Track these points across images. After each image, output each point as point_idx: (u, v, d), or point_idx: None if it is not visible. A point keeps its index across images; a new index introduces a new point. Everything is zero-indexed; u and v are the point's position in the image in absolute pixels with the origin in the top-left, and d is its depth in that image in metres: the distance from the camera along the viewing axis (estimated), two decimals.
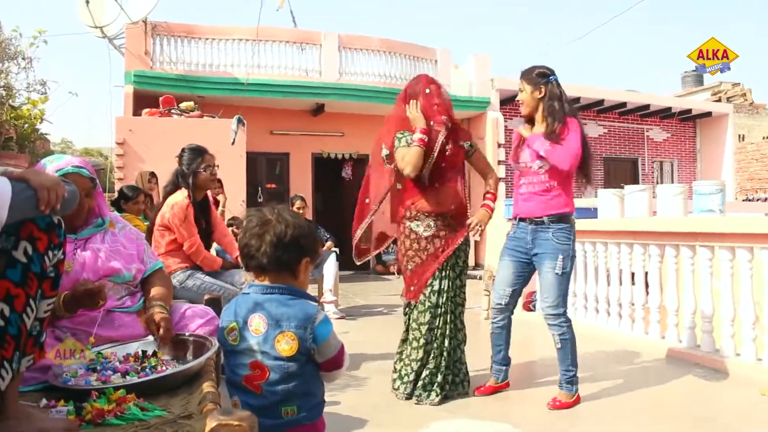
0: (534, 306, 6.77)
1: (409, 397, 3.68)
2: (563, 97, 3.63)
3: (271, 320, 1.75)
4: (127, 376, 2.11)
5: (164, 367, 2.21)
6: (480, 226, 3.72)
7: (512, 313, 3.88)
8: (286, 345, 1.73)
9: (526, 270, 3.79)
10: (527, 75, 3.67)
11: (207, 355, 2.21)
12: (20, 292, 1.54)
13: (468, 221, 3.74)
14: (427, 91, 3.74)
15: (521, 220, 3.73)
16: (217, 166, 4.23)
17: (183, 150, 4.20)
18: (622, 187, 6.20)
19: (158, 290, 2.58)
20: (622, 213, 5.95)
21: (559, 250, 3.57)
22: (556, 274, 3.56)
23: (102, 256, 2.47)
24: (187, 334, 2.46)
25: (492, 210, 3.81)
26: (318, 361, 1.79)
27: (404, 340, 3.85)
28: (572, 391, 3.63)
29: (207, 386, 2.03)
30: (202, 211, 4.21)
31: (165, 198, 4.19)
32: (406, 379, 3.72)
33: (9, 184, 1.48)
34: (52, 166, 2.37)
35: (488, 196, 3.86)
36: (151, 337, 2.42)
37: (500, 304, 3.81)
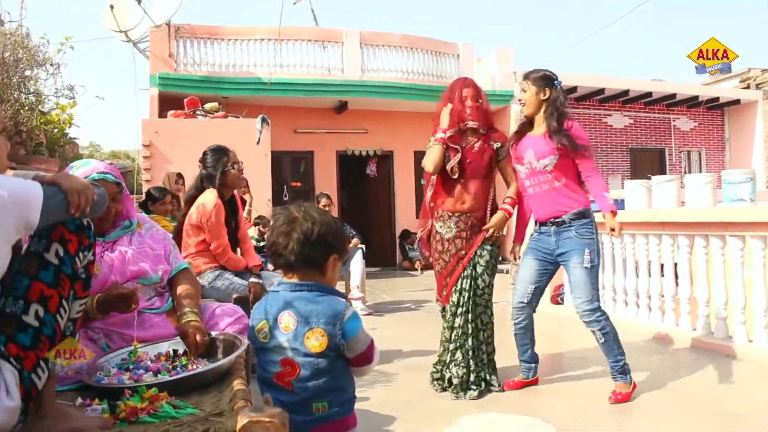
0: (562, 299, 6.74)
1: (443, 390, 3.74)
2: (563, 101, 3.69)
3: (300, 317, 1.77)
4: (159, 375, 2.15)
5: (195, 366, 2.24)
6: (496, 232, 3.76)
7: (534, 311, 3.88)
8: (315, 341, 1.74)
9: (548, 269, 3.82)
10: (533, 76, 3.70)
11: (237, 353, 2.23)
12: (54, 293, 1.58)
13: (485, 226, 3.78)
14: (463, 94, 3.77)
15: (542, 224, 3.75)
16: (242, 163, 4.25)
17: (205, 152, 4.22)
18: (649, 178, 6.13)
19: (186, 289, 2.60)
20: (649, 204, 5.88)
21: (585, 245, 3.59)
22: (585, 267, 3.57)
23: (129, 258, 2.51)
24: (215, 333, 2.48)
25: (510, 214, 3.83)
26: (348, 356, 1.80)
27: (443, 340, 3.90)
28: (627, 379, 3.64)
29: (237, 384, 2.06)
30: (232, 212, 4.24)
31: (189, 203, 4.21)
32: (435, 375, 3.82)
33: (41, 188, 1.52)
34: (78, 172, 2.41)
35: (507, 200, 3.87)
36: (178, 338, 2.46)
37: (522, 302, 3.82)
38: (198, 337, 2.31)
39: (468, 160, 3.77)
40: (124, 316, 2.46)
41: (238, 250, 4.39)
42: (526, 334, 3.87)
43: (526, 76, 3.72)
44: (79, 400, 1.95)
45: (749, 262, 4.58)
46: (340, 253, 1.87)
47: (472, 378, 3.71)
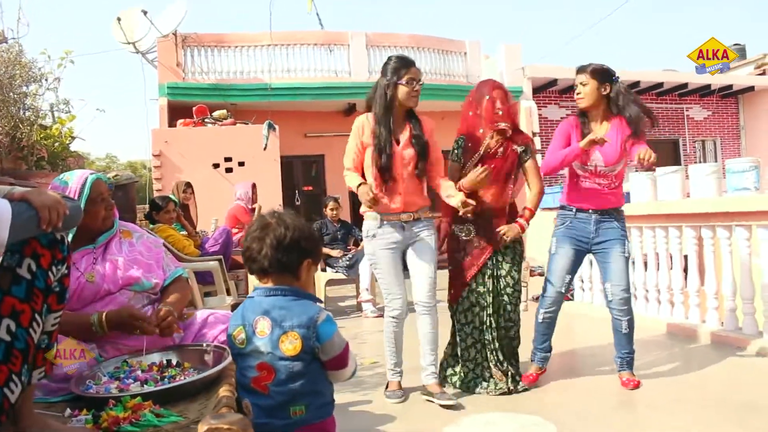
0: (572, 295, 6.70)
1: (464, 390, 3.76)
2: (630, 93, 3.74)
3: (275, 321, 1.79)
4: (146, 385, 2.17)
5: (183, 377, 2.26)
6: (506, 237, 3.72)
7: (563, 301, 3.94)
8: (290, 345, 1.76)
9: (580, 259, 3.91)
10: (592, 69, 3.70)
11: (224, 363, 2.24)
12: (26, 308, 1.61)
13: (498, 228, 3.76)
14: (487, 97, 3.76)
15: (580, 210, 3.78)
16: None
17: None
18: (654, 170, 6.07)
19: (173, 297, 2.62)
20: (655, 196, 5.82)
21: (625, 236, 3.75)
22: (626, 257, 3.70)
23: (120, 266, 2.54)
24: (205, 344, 2.50)
25: (524, 229, 3.80)
26: (323, 359, 1.81)
27: (452, 343, 3.94)
28: (632, 370, 3.78)
29: (223, 391, 2.07)
30: None
31: None
32: (454, 377, 3.84)
33: (9, 205, 1.54)
34: (74, 179, 2.48)
35: (525, 212, 3.82)
36: (171, 347, 2.49)
37: (560, 291, 3.86)
38: (162, 311, 2.39)
39: (492, 166, 3.73)
40: None
41: None
42: (551, 324, 3.94)
43: (584, 69, 3.72)
44: (68, 411, 1.98)
45: (757, 250, 4.53)
46: (314, 257, 1.89)
47: (491, 373, 3.73)
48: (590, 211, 3.74)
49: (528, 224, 3.80)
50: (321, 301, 1.92)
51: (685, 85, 14.03)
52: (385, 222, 3.59)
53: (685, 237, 5.04)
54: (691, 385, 3.72)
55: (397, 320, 3.65)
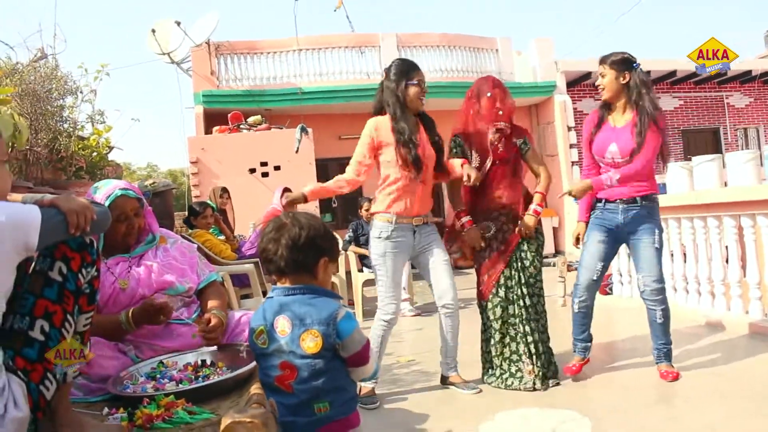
0: (611, 289, 6.62)
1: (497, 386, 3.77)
2: (650, 85, 3.67)
3: (295, 320, 1.81)
4: (180, 384, 2.23)
5: (216, 376, 2.32)
6: (528, 232, 3.78)
7: (597, 289, 3.89)
8: (311, 342, 1.78)
9: (613, 248, 3.86)
10: (611, 60, 3.67)
11: (254, 363, 2.29)
12: (58, 309, 1.68)
13: (517, 229, 3.80)
14: (488, 94, 3.78)
15: (608, 201, 3.74)
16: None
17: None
18: (690, 160, 5.97)
19: (214, 302, 2.70)
20: (692, 186, 5.72)
21: (656, 225, 3.66)
22: (656, 248, 3.64)
23: (155, 271, 2.61)
24: (238, 343, 2.56)
25: (539, 214, 3.83)
26: (343, 356, 1.83)
27: (485, 340, 3.93)
28: (671, 362, 3.73)
29: (255, 388, 2.12)
30: None
31: None
32: (494, 374, 3.83)
33: (38, 211, 1.61)
34: (101, 191, 2.54)
35: (536, 198, 3.85)
36: (205, 348, 2.55)
37: (591, 279, 3.81)
38: (213, 321, 2.47)
39: (497, 161, 3.80)
40: (153, 328, 2.56)
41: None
42: (588, 314, 3.89)
43: (604, 60, 3.70)
44: (106, 410, 2.05)
45: None
46: (330, 254, 1.91)
47: (524, 367, 3.72)
48: (617, 201, 3.69)
49: (542, 208, 3.83)
50: (341, 298, 1.95)
51: (724, 72, 13.70)
52: (398, 224, 3.61)
53: (724, 226, 4.94)
54: (730, 377, 3.65)
55: (388, 325, 3.66)
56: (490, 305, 3.83)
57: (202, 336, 2.48)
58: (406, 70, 3.63)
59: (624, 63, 3.65)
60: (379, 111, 3.70)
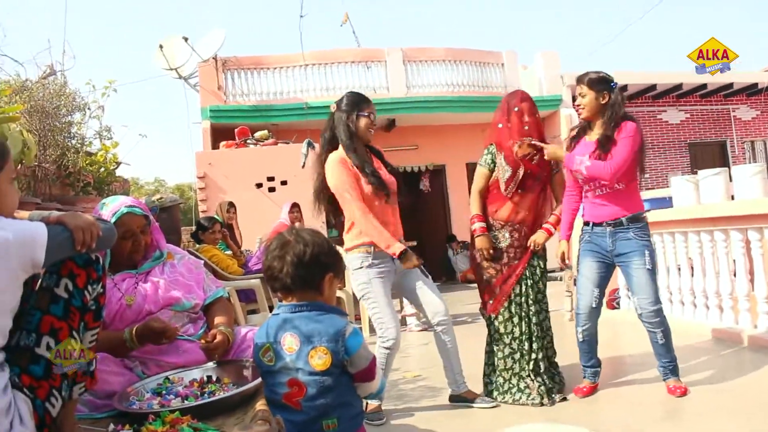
0: (618, 303, 6.60)
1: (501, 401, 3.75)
2: (623, 103, 3.68)
3: (302, 337, 1.81)
4: (186, 401, 2.23)
5: (222, 392, 2.33)
6: (536, 247, 3.80)
7: (599, 315, 3.85)
8: (319, 360, 1.78)
9: (608, 271, 3.81)
10: (589, 79, 3.66)
11: (259, 380, 2.29)
12: (63, 325, 1.69)
13: (529, 241, 3.81)
14: (516, 109, 3.81)
15: (596, 224, 3.72)
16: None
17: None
18: (695, 173, 5.96)
19: (220, 319, 2.72)
20: (698, 200, 5.70)
21: (644, 246, 3.61)
22: (648, 269, 3.59)
23: (161, 287, 2.62)
24: (243, 360, 2.57)
25: (551, 234, 3.85)
26: (351, 372, 1.83)
27: (489, 352, 3.93)
28: (678, 376, 3.70)
29: (260, 405, 2.13)
30: None
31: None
32: (499, 389, 3.81)
33: (45, 228, 1.63)
34: (107, 208, 2.56)
35: (551, 219, 3.88)
36: (211, 364, 2.56)
37: (591, 306, 3.78)
38: (219, 338, 2.50)
39: (528, 171, 3.79)
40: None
41: None
42: (592, 340, 3.86)
43: (582, 80, 3.69)
44: (112, 427, 2.05)
45: None
46: (335, 270, 1.91)
47: (529, 383, 3.71)
48: (604, 224, 3.67)
49: (555, 229, 3.84)
50: (346, 315, 1.95)
51: (731, 85, 13.70)
52: (377, 251, 3.53)
53: (731, 240, 4.92)
54: (738, 393, 3.62)
55: (390, 350, 3.57)
56: (501, 318, 3.82)
57: (203, 349, 2.48)
58: (357, 101, 3.65)
59: (603, 82, 3.64)
60: (331, 141, 3.68)
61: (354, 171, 3.54)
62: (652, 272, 3.61)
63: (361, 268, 3.55)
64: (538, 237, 3.79)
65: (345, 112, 3.62)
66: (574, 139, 3.80)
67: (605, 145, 3.56)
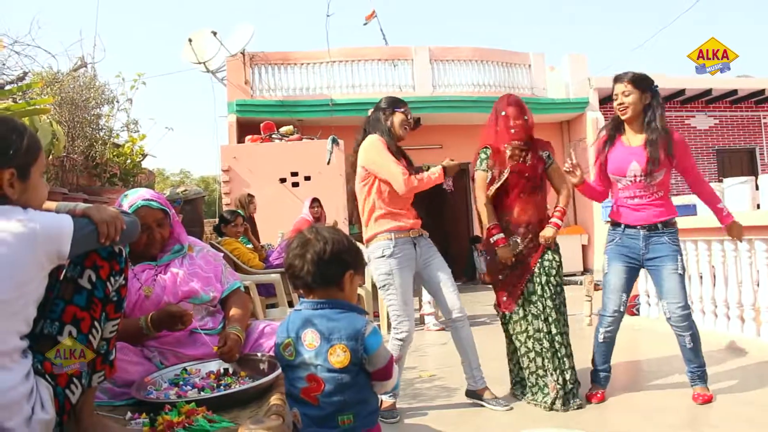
0: (638, 310, 6.55)
1: (551, 406, 3.69)
2: (664, 107, 3.69)
3: (323, 334, 1.84)
4: (202, 392, 2.27)
5: (238, 385, 2.37)
6: (547, 243, 3.79)
7: (622, 319, 3.85)
8: (338, 357, 1.81)
9: (634, 276, 3.82)
10: (633, 78, 3.65)
11: (277, 372, 2.33)
12: (86, 315, 1.74)
13: (539, 238, 3.80)
14: (503, 113, 3.82)
15: (628, 226, 3.71)
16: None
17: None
18: (722, 181, 5.90)
19: (236, 311, 2.74)
20: None
21: (677, 251, 3.63)
22: (679, 274, 3.60)
23: (180, 279, 2.66)
24: (260, 354, 2.60)
25: (559, 227, 3.84)
26: (369, 370, 1.86)
27: (511, 352, 3.95)
28: (706, 385, 3.68)
29: (275, 399, 2.17)
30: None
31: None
32: (518, 385, 3.84)
33: (71, 220, 1.67)
34: (127, 200, 2.61)
35: (557, 213, 3.86)
36: None
37: (618, 311, 3.78)
38: (229, 343, 2.49)
39: (526, 174, 3.80)
40: (177, 336, 2.61)
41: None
42: (611, 344, 3.86)
43: (625, 78, 3.67)
44: (129, 414, 2.11)
45: None
46: (355, 268, 1.94)
47: (547, 382, 3.70)
48: (638, 227, 3.66)
49: (562, 222, 3.84)
50: (367, 313, 1.97)
51: (762, 91, 13.48)
52: (398, 239, 3.64)
53: (755, 250, 4.87)
54: (759, 405, 3.58)
55: (404, 343, 3.67)
56: (515, 317, 3.83)
57: (220, 356, 2.51)
58: (394, 101, 3.85)
59: (646, 83, 3.64)
60: (364, 138, 3.81)
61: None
62: (683, 277, 3.61)
63: (383, 257, 3.63)
64: (547, 232, 3.77)
65: (381, 110, 3.79)
66: (608, 142, 3.78)
67: (656, 156, 3.55)
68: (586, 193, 3.94)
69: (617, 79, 3.71)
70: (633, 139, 3.69)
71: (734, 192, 5.51)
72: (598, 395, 3.76)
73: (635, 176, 3.63)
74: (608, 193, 3.93)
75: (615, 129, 3.78)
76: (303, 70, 11.63)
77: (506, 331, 3.93)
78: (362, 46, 11.99)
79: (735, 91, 13.37)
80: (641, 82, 3.63)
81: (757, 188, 5.59)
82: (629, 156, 3.64)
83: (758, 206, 5.46)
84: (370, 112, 3.88)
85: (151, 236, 2.62)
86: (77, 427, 1.78)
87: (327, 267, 1.87)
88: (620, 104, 3.68)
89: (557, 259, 3.85)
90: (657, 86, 3.67)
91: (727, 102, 13.95)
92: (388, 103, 3.82)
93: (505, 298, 3.87)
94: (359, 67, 11.75)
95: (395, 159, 3.64)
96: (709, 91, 13.07)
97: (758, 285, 4.90)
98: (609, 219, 3.89)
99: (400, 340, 3.65)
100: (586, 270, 12.04)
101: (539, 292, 3.77)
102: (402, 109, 3.77)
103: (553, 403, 3.62)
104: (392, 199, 3.67)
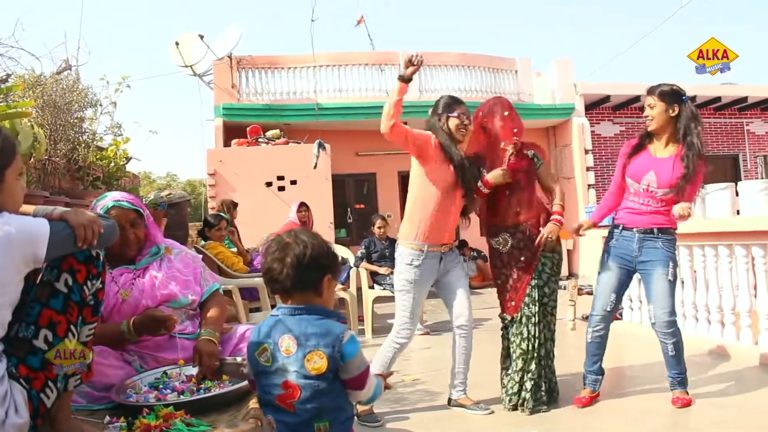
0: (621, 315, 6.59)
1: (514, 408, 3.74)
2: (699, 119, 3.69)
3: (300, 340, 1.82)
4: (182, 396, 2.27)
5: (218, 389, 2.37)
6: (551, 237, 3.77)
7: (611, 320, 3.89)
8: (315, 364, 1.79)
9: (628, 278, 3.86)
10: (661, 91, 3.68)
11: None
12: (62, 319, 1.74)
13: (541, 235, 3.78)
14: (505, 113, 3.84)
15: (625, 228, 3.75)
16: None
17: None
18: (703, 187, 5.95)
19: (212, 313, 2.73)
20: (704, 214, 5.70)
21: (670, 258, 3.66)
22: (669, 281, 3.63)
23: (159, 283, 2.66)
24: (240, 358, 2.59)
25: (561, 224, 3.84)
26: (343, 378, 1.84)
27: (506, 356, 3.94)
28: (685, 389, 3.73)
29: (253, 403, 2.17)
30: None
31: None
32: (510, 391, 3.80)
33: (47, 224, 1.68)
34: (100, 203, 2.60)
35: (556, 209, 3.88)
36: None
37: (605, 310, 3.83)
38: (204, 359, 2.44)
39: (517, 173, 3.81)
40: (157, 340, 2.61)
41: None
42: (601, 344, 3.89)
43: (652, 91, 3.70)
44: (107, 418, 2.10)
45: None
46: (333, 272, 1.93)
47: (539, 386, 3.73)
48: (634, 230, 3.71)
49: (563, 219, 3.84)
50: (345, 319, 1.97)
51: (745, 98, 13.62)
52: (429, 252, 3.72)
53: (735, 255, 4.92)
54: (737, 408, 3.63)
55: (400, 347, 3.76)
56: (515, 321, 3.83)
57: (204, 377, 2.47)
58: (448, 104, 3.84)
59: (674, 95, 3.65)
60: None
61: (436, 144, 3.70)
62: (672, 284, 3.65)
63: (410, 265, 3.73)
64: (549, 229, 3.76)
65: (438, 115, 3.82)
66: (636, 149, 3.81)
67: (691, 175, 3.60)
68: (596, 212, 4.07)
69: (648, 92, 3.75)
70: (659, 151, 3.73)
71: (714, 198, 5.58)
72: (584, 399, 3.78)
73: (648, 185, 3.67)
74: (619, 202, 3.94)
75: (646, 137, 3.82)
76: (290, 74, 11.62)
77: (506, 335, 3.92)
78: (349, 50, 12.00)
79: (719, 98, 13.50)
80: (668, 96, 3.65)
81: (737, 194, 5.65)
82: (649, 165, 3.69)
83: (738, 212, 5.52)
84: (429, 112, 3.91)
85: (124, 237, 2.58)
86: (51, 430, 1.77)
87: (306, 271, 1.86)
88: (646, 116, 3.75)
89: (551, 263, 3.85)
90: (687, 98, 3.69)
91: (711, 109, 14.06)
92: (442, 108, 3.83)
93: (513, 302, 3.84)
94: (346, 72, 11.76)
95: (445, 158, 3.68)
96: (693, 98, 13.17)
97: (738, 290, 4.96)
98: (612, 222, 3.94)
99: (398, 344, 3.74)
100: (571, 275, 12.08)
101: (532, 295, 3.77)
102: (455, 114, 3.76)
103: (516, 405, 3.68)
104: (439, 209, 3.70)
